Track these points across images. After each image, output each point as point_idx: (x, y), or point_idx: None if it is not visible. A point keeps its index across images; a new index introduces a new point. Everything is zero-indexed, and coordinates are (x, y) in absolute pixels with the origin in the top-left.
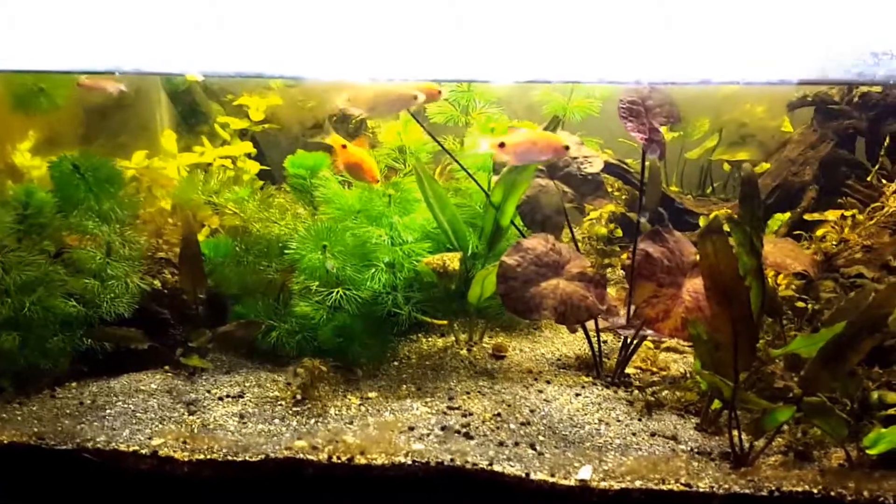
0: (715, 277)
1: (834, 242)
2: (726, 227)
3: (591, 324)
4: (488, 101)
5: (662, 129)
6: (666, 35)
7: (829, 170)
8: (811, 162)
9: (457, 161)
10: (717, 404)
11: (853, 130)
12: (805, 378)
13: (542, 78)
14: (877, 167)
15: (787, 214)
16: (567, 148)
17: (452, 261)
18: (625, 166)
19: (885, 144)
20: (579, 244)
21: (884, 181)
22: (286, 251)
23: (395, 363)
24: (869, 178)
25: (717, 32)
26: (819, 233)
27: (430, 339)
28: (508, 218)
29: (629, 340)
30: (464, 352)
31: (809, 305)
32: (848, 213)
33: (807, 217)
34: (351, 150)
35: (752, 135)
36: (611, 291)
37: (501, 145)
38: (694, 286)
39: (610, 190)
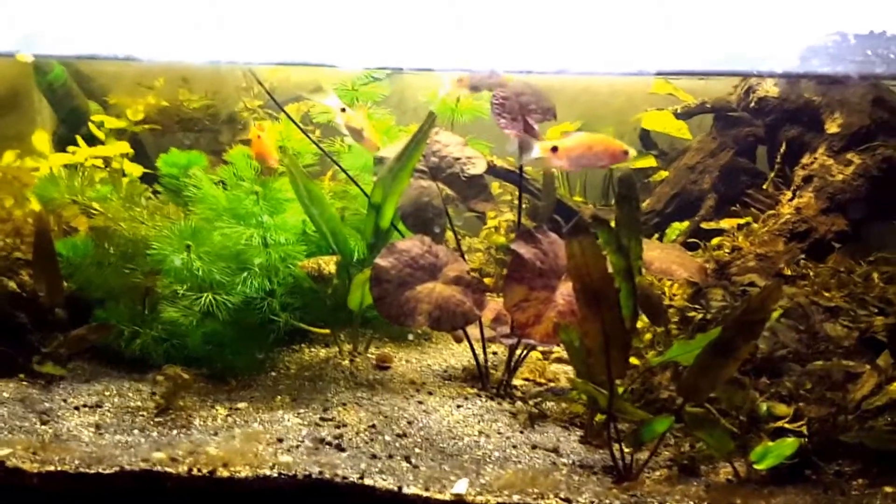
0: (583, 279)
1: (727, 251)
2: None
3: (477, 333)
4: (373, 100)
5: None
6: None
7: (728, 178)
8: (710, 170)
9: (334, 160)
10: (601, 416)
11: (753, 137)
12: (683, 386)
13: (392, 65)
14: (773, 174)
15: (686, 223)
16: (626, 153)
17: (328, 264)
18: (521, 174)
19: (782, 151)
20: (481, 254)
21: (783, 188)
22: (148, 252)
23: (273, 373)
24: (765, 186)
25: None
26: (714, 241)
27: (313, 349)
28: (388, 220)
29: (515, 350)
30: (346, 362)
31: (697, 314)
32: (742, 221)
33: (704, 225)
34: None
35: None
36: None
37: (554, 149)
38: (568, 289)
39: (509, 198)
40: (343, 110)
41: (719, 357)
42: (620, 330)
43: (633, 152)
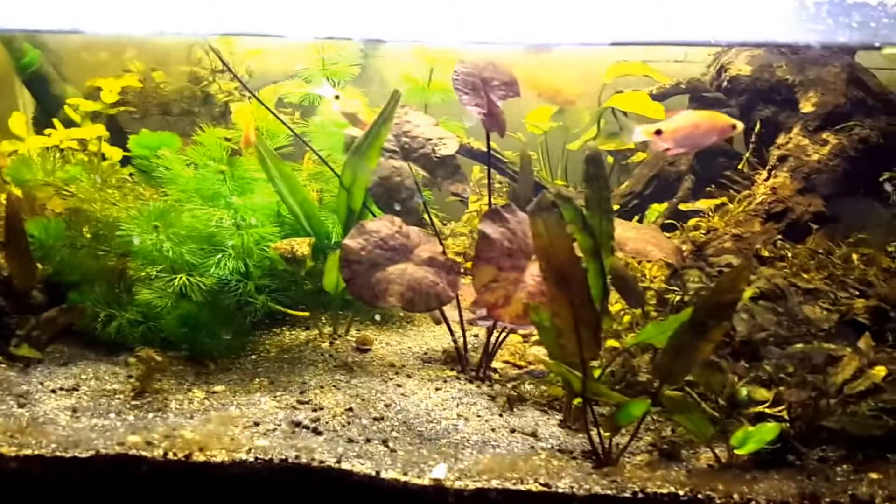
0: (549, 258)
1: (703, 232)
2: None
3: (455, 315)
4: (345, 80)
5: (543, 118)
6: None
7: (705, 160)
8: (687, 152)
9: (304, 141)
10: (579, 400)
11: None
12: (657, 369)
13: (342, 34)
14: (747, 155)
15: (664, 205)
16: (734, 127)
17: (301, 245)
18: (499, 157)
19: (756, 131)
20: (464, 238)
21: (759, 168)
22: (118, 233)
23: (253, 356)
24: (740, 167)
25: None
26: (691, 223)
27: (293, 332)
28: (359, 201)
29: (493, 332)
30: (326, 345)
31: (673, 296)
32: (716, 202)
33: (682, 207)
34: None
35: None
36: None
37: (658, 132)
38: (538, 269)
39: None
40: (337, 97)
41: (692, 338)
42: (590, 310)
43: (740, 126)
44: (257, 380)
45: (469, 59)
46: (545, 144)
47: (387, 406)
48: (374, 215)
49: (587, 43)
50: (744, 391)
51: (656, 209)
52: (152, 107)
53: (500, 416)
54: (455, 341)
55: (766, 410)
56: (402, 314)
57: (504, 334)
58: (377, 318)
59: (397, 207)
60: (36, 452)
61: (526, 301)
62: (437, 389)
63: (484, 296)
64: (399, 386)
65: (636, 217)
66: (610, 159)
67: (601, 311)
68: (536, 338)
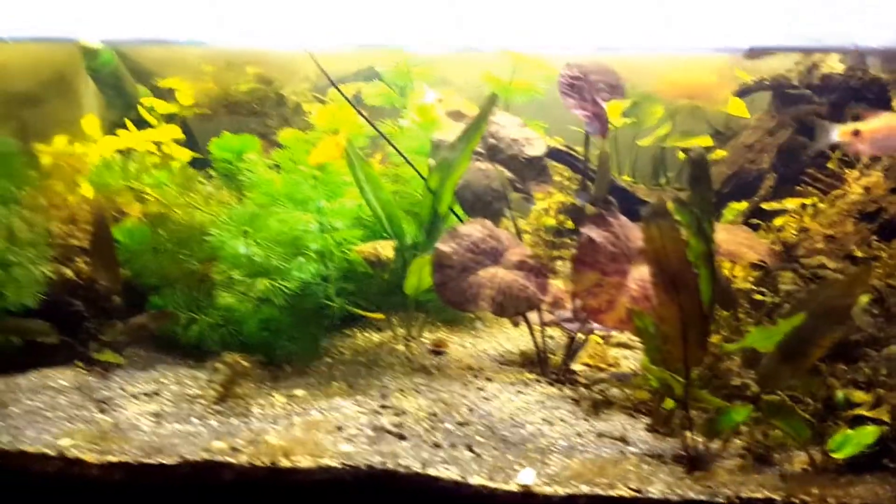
0: (661, 264)
1: (794, 232)
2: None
3: (535, 317)
4: (428, 81)
5: (613, 115)
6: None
7: (788, 157)
8: (769, 149)
9: (392, 144)
10: (669, 403)
11: (814, 115)
12: (763, 375)
13: (471, 46)
14: (837, 153)
15: (744, 204)
16: None
17: (385, 249)
18: (574, 154)
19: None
20: (529, 235)
21: (845, 168)
22: (206, 238)
23: (328, 359)
24: (830, 165)
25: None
26: (778, 222)
27: (366, 333)
28: (446, 204)
29: (575, 335)
30: (401, 347)
31: (768, 298)
32: (808, 202)
33: (764, 206)
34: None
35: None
36: (559, 284)
37: (856, 133)
38: (641, 274)
39: (559, 179)
40: (440, 101)
41: (802, 344)
42: (699, 316)
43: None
44: (335, 383)
45: (576, 62)
46: (615, 140)
47: (470, 410)
48: (459, 218)
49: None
50: (840, 394)
51: (735, 208)
52: (220, 107)
53: (586, 419)
54: (536, 344)
55: (865, 413)
56: (472, 315)
57: (585, 336)
58: (449, 319)
59: (483, 210)
60: (120, 459)
61: (629, 306)
62: (518, 393)
63: (587, 300)
64: (480, 389)
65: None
66: (681, 156)
67: (709, 316)
68: (617, 339)
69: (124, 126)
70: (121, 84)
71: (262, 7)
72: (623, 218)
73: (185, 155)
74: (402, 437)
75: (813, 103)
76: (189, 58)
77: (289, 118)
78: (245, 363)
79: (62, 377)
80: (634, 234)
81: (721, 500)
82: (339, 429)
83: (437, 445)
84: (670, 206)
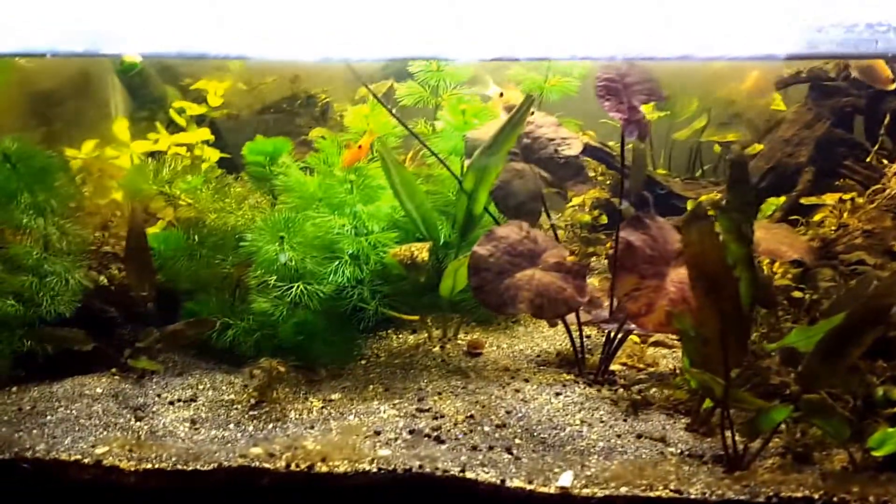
0: (701, 267)
1: (832, 228)
2: (712, 213)
3: (572, 317)
4: (459, 82)
5: (646, 109)
6: (643, 7)
7: (825, 150)
8: (806, 142)
9: (426, 146)
10: (708, 403)
11: (851, 108)
12: (803, 374)
13: (509, 55)
14: (876, 147)
15: (783, 198)
16: None
17: (421, 251)
18: (607, 149)
19: (886, 123)
20: (563, 232)
21: (884, 161)
22: (242, 243)
23: (362, 362)
24: (868, 159)
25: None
26: (816, 217)
27: (400, 335)
28: (481, 205)
29: (613, 335)
30: (436, 349)
31: (807, 295)
32: (847, 197)
33: (803, 201)
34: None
35: (739, 114)
36: (594, 282)
37: None
38: (679, 276)
39: (592, 175)
40: (501, 95)
41: (843, 344)
42: (739, 319)
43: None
44: (371, 387)
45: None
46: (649, 134)
47: (508, 412)
48: (495, 219)
49: (691, 57)
50: (880, 391)
51: (773, 203)
52: (246, 107)
53: (625, 420)
54: (574, 344)
55: None
56: (505, 315)
57: (622, 336)
58: (484, 320)
59: (519, 211)
60: (156, 466)
61: (668, 308)
62: (556, 394)
63: (627, 304)
64: (517, 391)
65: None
66: (717, 149)
67: (749, 319)
68: (655, 339)
69: (153, 128)
70: (149, 86)
71: (291, 19)
72: (660, 219)
73: (214, 154)
74: (439, 441)
75: (850, 96)
76: (220, 64)
77: (316, 117)
78: (281, 368)
79: (98, 385)
80: (672, 235)
81: (761, 500)
82: (377, 433)
83: (475, 448)
84: (710, 209)
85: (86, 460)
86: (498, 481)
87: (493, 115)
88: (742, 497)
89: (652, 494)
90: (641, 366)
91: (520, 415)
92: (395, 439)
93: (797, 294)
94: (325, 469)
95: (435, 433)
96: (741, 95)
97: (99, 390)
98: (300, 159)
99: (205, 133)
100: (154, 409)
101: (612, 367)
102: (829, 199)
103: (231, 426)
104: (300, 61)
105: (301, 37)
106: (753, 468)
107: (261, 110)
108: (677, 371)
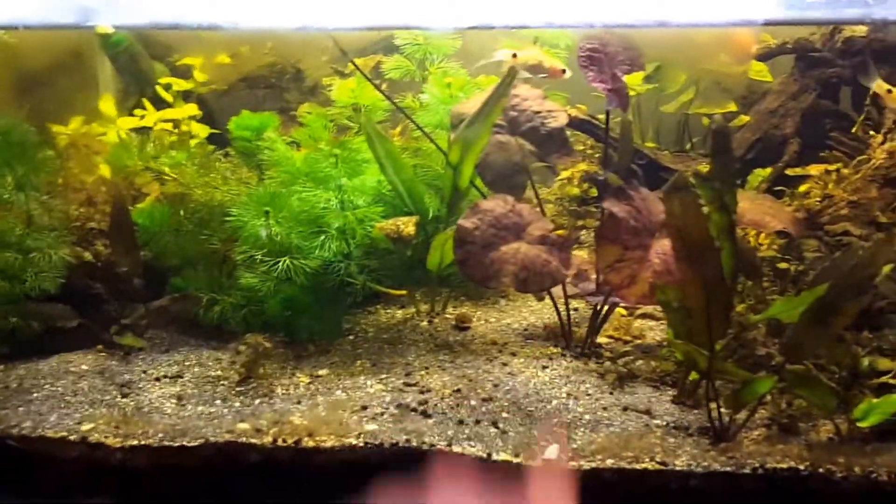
0: (683, 238)
1: (818, 199)
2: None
3: (559, 290)
4: (445, 54)
5: (635, 81)
6: None
7: (811, 121)
8: (792, 113)
9: (411, 119)
10: (694, 375)
11: (837, 79)
12: (787, 345)
13: (484, 23)
14: (862, 117)
15: (769, 170)
16: None
17: (407, 225)
18: (596, 122)
19: (871, 93)
20: (552, 205)
21: (870, 132)
22: (227, 218)
23: (350, 337)
24: (854, 130)
25: None
26: (802, 189)
27: (389, 310)
28: (467, 178)
29: (599, 308)
30: (424, 324)
31: (792, 267)
32: (832, 168)
33: (789, 172)
34: None
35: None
36: (583, 254)
37: (889, 91)
38: (663, 248)
39: (581, 148)
40: (514, 55)
41: (826, 314)
42: (722, 290)
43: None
44: (359, 362)
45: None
46: (638, 107)
47: (495, 386)
48: (481, 192)
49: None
50: (865, 362)
51: (760, 174)
52: (237, 81)
53: (611, 393)
54: (560, 317)
55: (890, 381)
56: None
57: (609, 308)
58: (473, 294)
59: (504, 184)
60: (142, 442)
61: (651, 280)
62: (543, 367)
63: (609, 276)
64: (505, 365)
65: (738, 182)
66: (705, 121)
67: (732, 289)
68: (642, 311)
69: (142, 105)
70: (138, 63)
71: None
72: (644, 191)
73: (203, 131)
74: (426, 415)
75: (836, 66)
76: (206, 35)
77: (305, 92)
78: (268, 343)
79: (84, 361)
80: (656, 206)
81: (747, 471)
82: (364, 408)
83: (461, 423)
84: (691, 179)
85: (72, 437)
86: (484, 455)
87: (479, 88)
88: (728, 468)
89: (638, 466)
90: (628, 338)
91: (506, 388)
92: (382, 414)
93: (783, 265)
94: (311, 444)
95: (422, 407)
96: (720, 63)
97: (85, 367)
98: (287, 134)
99: (192, 109)
100: (140, 385)
101: (599, 339)
102: (815, 170)
103: (218, 402)
104: (278, 29)
105: (278, 4)
106: (739, 440)
107: (251, 85)
108: (664, 343)
